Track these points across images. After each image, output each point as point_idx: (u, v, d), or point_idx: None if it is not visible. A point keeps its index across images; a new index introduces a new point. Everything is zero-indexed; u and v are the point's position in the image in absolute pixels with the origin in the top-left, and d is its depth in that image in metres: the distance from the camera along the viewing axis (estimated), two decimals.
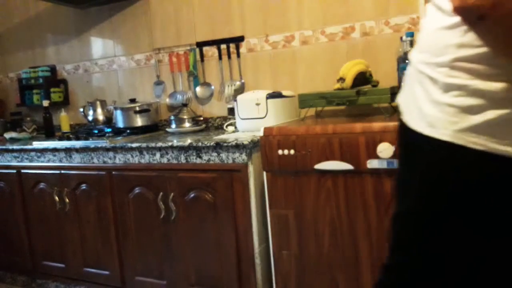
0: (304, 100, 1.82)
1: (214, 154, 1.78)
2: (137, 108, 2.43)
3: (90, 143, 2.09)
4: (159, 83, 2.60)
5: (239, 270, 1.80)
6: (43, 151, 2.26)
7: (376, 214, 1.50)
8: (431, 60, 0.92)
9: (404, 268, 1.03)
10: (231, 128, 2.17)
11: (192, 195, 1.85)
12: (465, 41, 0.85)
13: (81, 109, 2.75)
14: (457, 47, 0.86)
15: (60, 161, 2.21)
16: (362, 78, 1.82)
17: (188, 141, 1.85)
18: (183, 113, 2.34)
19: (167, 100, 2.58)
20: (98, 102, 2.69)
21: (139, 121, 2.44)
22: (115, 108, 2.51)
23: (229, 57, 2.36)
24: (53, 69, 2.96)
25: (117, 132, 2.44)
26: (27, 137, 2.76)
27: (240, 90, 2.34)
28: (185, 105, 2.39)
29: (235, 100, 2.04)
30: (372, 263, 1.53)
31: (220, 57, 2.38)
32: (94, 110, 2.68)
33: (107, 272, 2.15)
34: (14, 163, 2.39)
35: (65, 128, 2.79)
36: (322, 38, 2.13)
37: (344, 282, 1.59)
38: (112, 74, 2.78)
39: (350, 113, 2.01)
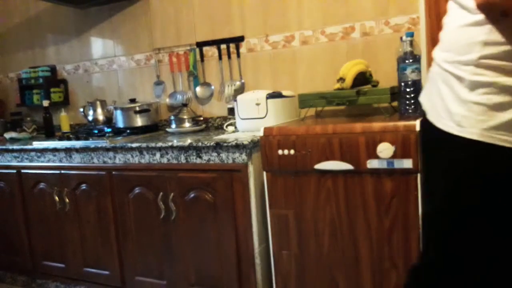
0: (304, 100, 1.82)
1: (214, 154, 1.78)
2: (137, 108, 2.43)
3: (90, 143, 2.09)
4: (159, 83, 2.60)
5: (239, 270, 1.80)
6: (43, 151, 2.26)
7: (376, 214, 1.50)
8: (456, 58, 0.91)
9: (431, 268, 1.03)
10: (231, 128, 2.17)
11: (192, 195, 1.85)
12: (491, 39, 0.84)
13: (81, 109, 2.75)
14: (483, 44, 0.85)
15: (60, 161, 2.21)
16: (362, 78, 1.82)
17: (188, 141, 1.85)
18: (183, 113, 2.34)
19: (167, 100, 2.58)
20: (98, 102, 2.69)
21: (139, 121, 2.44)
22: (115, 108, 2.51)
23: (229, 57, 2.36)
24: (53, 69, 2.96)
25: (117, 132, 2.44)
26: (27, 137, 2.76)
27: (240, 90, 2.34)
28: (185, 105, 2.39)
29: (235, 100, 2.04)
30: (372, 263, 1.53)
31: (220, 57, 2.38)
32: (94, 110, 2.68)
33: (107, 272, 2.15)
34: (14, 163, 2.39)
35: (65, 128, 2.79)
36: (322, 38, 2.13)
37: (344, 282, 1.59)
38: (112, 74, 2.78)
39: (350, 113, 2.01)
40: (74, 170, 2.17)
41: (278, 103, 1.97)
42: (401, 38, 1.70)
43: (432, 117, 1.00)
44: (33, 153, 2.30)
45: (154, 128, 2.50)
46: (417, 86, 1.66)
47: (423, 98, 1.09)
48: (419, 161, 1.40)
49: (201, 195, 1.83)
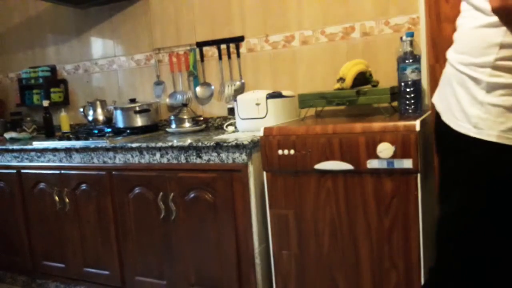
0: (304, 100, 1.82)
1: (214, 154, 1.78)
2: (137, 108, 2.43)
3: (90, 143, 2.09)
4: (159, 83, 2.60)
5: (239, 270, 1.80)
6: (43, 151, 2.26)
7: (376, 214, 1.50)
8: (472, 60, 0.91)
9: (447, 270, 1.03)
10: (231, 128, 2.17)
11: (192, 195, 1.85)
12: (507, 41, 0.84)
13: (81, 109, 2.75)
14: (499, 46, 0.85)
15: (60, 161, 2.21)
16: (362, 78, 1.82)
17: (188, 141, 1.85)
18: (183, 113, 2.34)
19: (167, 100, 2.58)
20: (98, 102, 2.69)
21: (139, 121, 2.44)
22: (115, 108, 2.51)
23: (229, 57, 2.36)
24: (53, 69, 2.96)
25: (117, 132, 2.44)
26: (27, 137, 2.76)
27: (240, 90, 2.34)
28: (185, 105, 2.39)
29: (235, 100, 2.04)
30: (372, 263, 1.53)
31: (220, 57, 2.38)
32: (94, 110, 2.68)
33: (107, 272, 2.15)
34: (14, 163, 2.39)
35: (65, 128, 2.79)
36: (322, 38, 2.13)
37: (344, 282, 1.59)
38: (112, 74, 2.78)
39: (350, 113, 2.01)
40: (74, 170, 2.17)
41: (278, 103, 1.97)
42: (401, 38, 1.70)
43: (447, 119, 0.99)
44: (33, 153, 2.30)
45: (154, 128, 2.50)
46: (417, 86, 1.66)
47: (436, 100, 1.08)
48: (419, 161, 1.40)
49: (201, 195, 1.83)
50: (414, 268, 1.46)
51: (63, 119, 2.80)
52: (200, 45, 2.43)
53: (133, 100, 2.51)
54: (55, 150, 2.21)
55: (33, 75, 2.93)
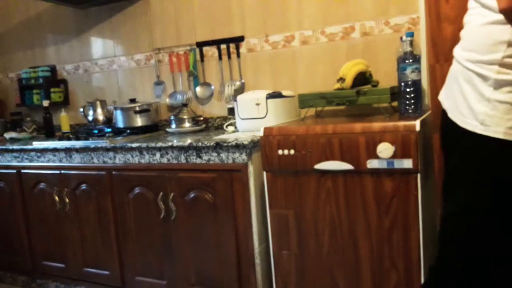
0: (304, 100, 1.82)
1: (214, 154, 1.78)
2: (137, 108, 2.43)
3: (90, 143, 2.09)
4: (159, 83, 2.60)
5: (239, 270, 1.80)
6: (43, 151, 2.25)
7: (376, 214, 1.50)
8: (479, 58, 0.91)
9: (450, 268, 1.03)
10: (231, 128, 2.17)
11: (192, 195, 1.85)
12: None
13: (81, 109, 2.75)
14: (508, 44, 0.85)
15: (60, 161, 2.21)
16: (362, 78, 1.82)
17: (188, 141, 1.85)
18: (183, 113, 2.34)
19: (167, 100, 2.58)
20: (98, 102, 2.69)
21: (139, 121, 2.44)
22: (115, 108, 2.51)
23: (229, 57, 2.36)
24: (53, 69, 2.96)
25: (117, 132, 2.44)
26: (27, 137, 2.76)
27: (240, 90, 2.34)
28: (185, 105, 2.39)
29: (235, 100, 2.04)
30: (372, 263, 1.53)
31: (220, 57, 2.38)
32: (94, 110, 2.68)
33: (107, 272, 2.15)
34: (14, 163, 2.39)
35: (65, 128, 2.79)
36: (322, 38, 2.13)
37: (344, 282, 1.59)
38: (112, 74, 2.78)
39: (350, 113, 2.01)
40: (74, 170, 2.17)
41: (278, 103, 1.97)
42: (401, 38, 1.70)
43: (453, 116, 0.99)
44: (33, 153, 2.30)
45: (154, 128, 2.50)
46: (417, 86, 1.66)
47: (442, 97, 1.07)
48: (419, 161, 1.40)
49: (201, 195, 1.83)
50: (414, 268, 1.46)
51: (63, 119, 2.80)
52: (200, 45, 2.43)
53: (133, 100, 2.51)
54: (55, 150, 2.21)
55: (33, 75, 2.93)
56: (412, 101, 1.65)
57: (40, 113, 2.90)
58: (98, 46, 2.80)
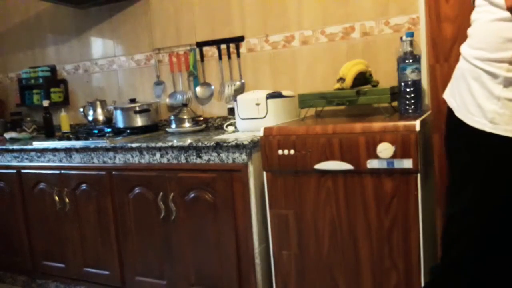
0: (304, 100, 1.82)
1: (214, 154, 1.78)
2: (137, 108, 2.43)
3: (90, 143, 2.09)
4: (159, 83, 2.60)
5: (239, 270, 1.80)
6: (43, 151, 2.26)
7: (376, 214, 1.50)
8: (488, 56, 0.90)
9: (454, 268, 1.02)
10: (231, 128, 2.17)
11: (192, 195, 1.85)
12: None
13: (81, 109, 2.75)
14: None
15: (60, 161, 2.21)
16: (362, 78, 1.82)
17: (188, 141, 1.85)
18: (183, 113, 2.34)
19: (167, 100, 2.58)
20: (98, 102, 2.69)
21: (139, 121, 2.44)
22: (115, 108, 2.51)
23: (229, 57, 2.36)
24: (53, 69, 2.96)
25: (117, 132, 2.44)
26: (27, 137, 2.76)
27: (240, 90, 2.34)
28: (185, 105, 2.39)
29: (235, 100, 2.04)
30: (372, 263, 1.53)
31: (220, 57, 2.38)
32: (94, 110, 2.68)
33: (107, 272, 2.15)
34: (14, 163, 2.39)
35: (65, 128, 2.79)
36: (322, 38, 2.13)
37: (344, 282, 1.59)
38: (112, 74, 2.78)
39: (350, 113, 2.01)
40: (74, 170, 2.17)
41: (278, 103, 1.97)
42: (401, 38, 1.70)
43: (461, 115, 0.98)
44: (33, 153, 2.30)
45: (154, 128, 2.50)
46: (417, 86, 1.66)
47: (448, 96, 1.06)
48: (419, 161, 1.40)
49: (201, 195, 1.83)
50: (414, 268, 1.46)
51: (63, 119, 2.80)
52: (200, 45, 2.43)
53: (133, 100, 2.51)
54: (55, 150, 2.21)
55: (33, 75, 2.93)
56: (412, 101, 1.65)
57: (40, 113, 2.90)
58: (98, 46, 2.80)
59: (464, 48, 1.00)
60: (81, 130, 2.67)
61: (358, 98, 1.70)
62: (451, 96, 1.04)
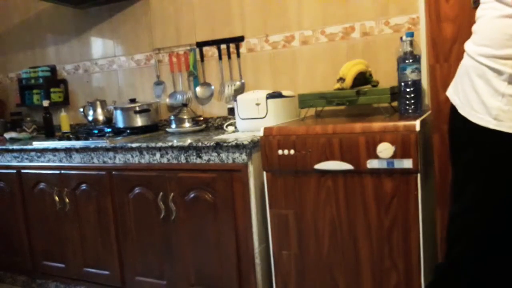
0: (304, 100, 1.82)
1: (214, 154, 1.78)
2: (137, 108, 2.43)
3: (90, 143, 2.09)
4: (159, 83, 2.60)
5: (239, 270, 1.80)
6: (43, 151, 2.26)
7: (376, 214, 1.50)
8: (494, 53, 0.89)
9: (458, 267, 1.02)
10: (231, 128, 2.17)
11: (192, 195, 1.85)
12: None
13: (81, 109, 2.75)
14: None
15: (60, 161, 2.21)
16: (362, 78, 1.82)
17: (188, 141, 1.85)
18: (183, 113, 2.34)
19: (167, 100, 2.58)
20: (98, 102, 2.69)
21: (139, 121, 2.44)
22: (115, 108, 2.51)
23: (229, 57, 2.36)
24: (53, 69, 2.96)
25: (117, 132, 2.44)
26: (27, 137, 2.76)
27: (240, 90, 2.34)
28: (185, 105, 2.39)
29: (235, 100, 2.04)
30: (372, 263, 1.53)
31: (220, 57, 2.38)
32: (94, 110, 2.68)
33: (107, 272, 2.15)
34: (14, 163, 2.39)
35: (65, 128, 2.79)
36: (322, 38, 2.13)
37: (344, 282, 1.59)
38: (112, 74, 2.78)
39: (350, 113, 2.01)
40: (74, 170, 2.17)
41: (278, 103, 1.97)
42: (401, 38, 1.70)
43: (464, 112, 0.97)
44: (33, 153, 2.30)
45: (154, 128, 2.50)
46: (417, 86, 1.66)
47: (451, 93, 1.06)
48: (419, 161, 1.40)
49: (201, 195, 1.83)
50: (414, 268, 1.46)
51: (63, 119, 2.80)
52: (200, 45, 2.43)
53: (133, 100, 2.51)
54: (55, 150, 2.21)
55: (33, 75, 2.93)
56: (412, 101, 1.65)
57: (40, 113, 2.90)
58: (98, 46, 2.80)
59: (468, 45, 0.99)
60: (81, 130, 2.67)
61: (358, 98, 1.70)
62: (454, 93, 1.04)
